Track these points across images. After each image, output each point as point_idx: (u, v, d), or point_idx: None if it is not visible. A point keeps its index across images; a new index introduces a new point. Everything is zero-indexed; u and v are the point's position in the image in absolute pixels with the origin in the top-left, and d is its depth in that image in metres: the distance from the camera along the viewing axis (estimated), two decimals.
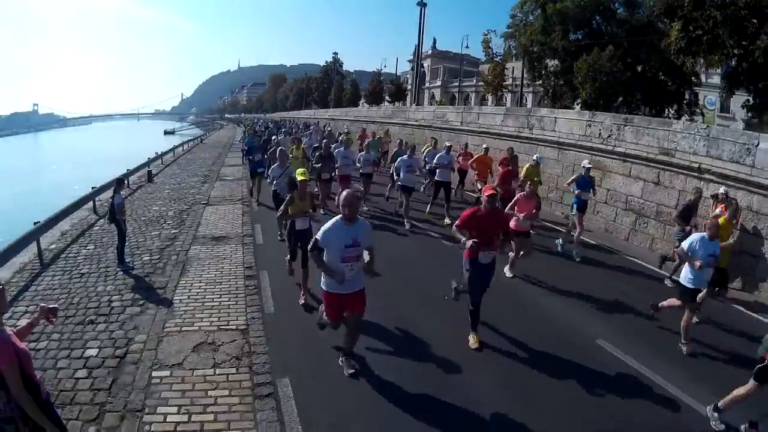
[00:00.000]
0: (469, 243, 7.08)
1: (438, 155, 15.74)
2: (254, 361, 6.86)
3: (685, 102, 33.69)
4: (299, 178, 8.79)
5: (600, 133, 16.48)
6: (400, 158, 15.29)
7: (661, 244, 13.79)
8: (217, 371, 6.63)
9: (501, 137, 22.21)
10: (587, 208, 13.39)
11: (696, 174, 12.93)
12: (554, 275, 10.94)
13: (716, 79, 34.66)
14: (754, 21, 20.09)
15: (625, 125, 15.56)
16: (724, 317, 9.30)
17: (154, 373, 6.52)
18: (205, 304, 8.89)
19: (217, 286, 9.71)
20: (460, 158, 18.70)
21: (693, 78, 32.00)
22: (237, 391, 6.21)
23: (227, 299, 9.09)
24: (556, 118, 19.28)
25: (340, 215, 6.07)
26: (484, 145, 18.47)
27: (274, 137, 25.71)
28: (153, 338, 7.49)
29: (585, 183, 12.71)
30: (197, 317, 8.31)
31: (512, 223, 10.05)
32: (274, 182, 12.87)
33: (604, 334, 8.13)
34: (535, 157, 15.01)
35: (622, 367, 7.17)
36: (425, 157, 17.81)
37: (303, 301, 8.92)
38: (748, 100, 25.14)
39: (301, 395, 6.13)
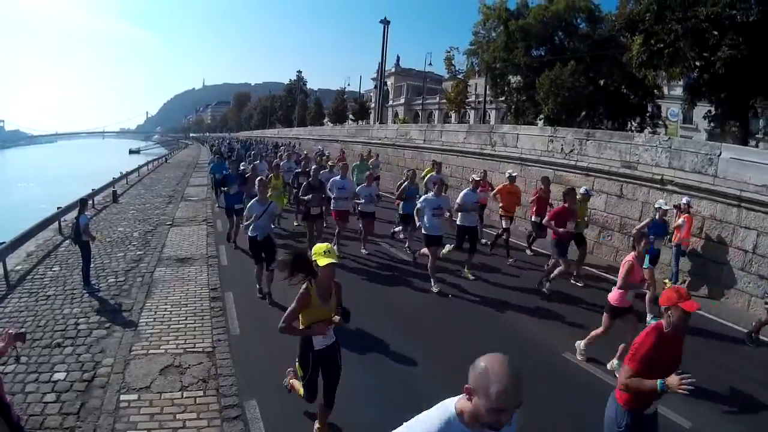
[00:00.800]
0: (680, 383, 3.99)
1: (463, 194, 12.37)
2: (221, 384, 6.93)
3: (647, 114, 34.53)
4: (322, 262, 5.01)
5: (562, 148, 16.93)
6: (424, 197, 11.57)
7: (626, 257, 14.06)
8: (185, 394, 6.70)
9: (464, 154, 22.72)
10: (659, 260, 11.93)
11: (659, 186, 13.43)
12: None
13: (679, 91, 35.61)
14: (715, 33, 20.87)
15: (587, 140, 16.04)
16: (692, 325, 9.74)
17: (122, 397, 6.57)
18: (171, 326, 8.93)
19: (182, 308, 9.75)
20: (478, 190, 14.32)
21: (655, 90, 32.91)
22: (205, 413, 6.29)
23: (193, 321, 9.14)
24: (518, 134, 19.70)
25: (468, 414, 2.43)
26: (510, 171, 15.22)
27: (243, 164, 20.72)
28: (120, 361, 7.52)
29: (658, 228, 11.09)
30: (163, 340, 8.36)
31: (614, 297, 7.62)
32: (251, 224, 10.01)
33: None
34: (582, 190, 12.63)
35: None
36: (425, 183, 15.15)
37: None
38: (710, 111, 26.19)
39: (269, 416, 6.24)
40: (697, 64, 22.69)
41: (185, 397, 6.63)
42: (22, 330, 4.54)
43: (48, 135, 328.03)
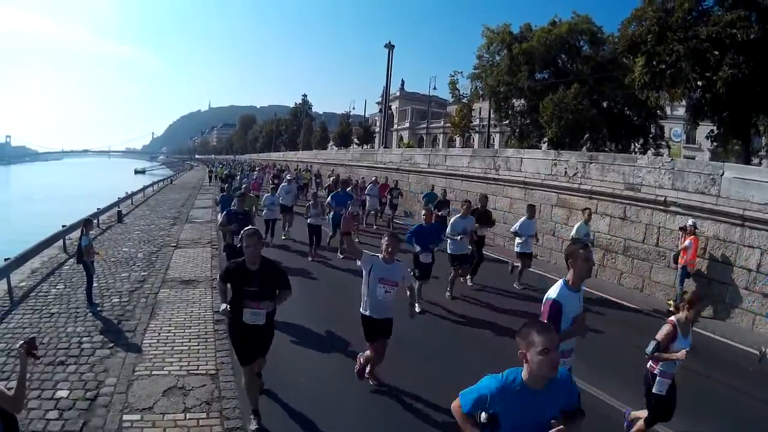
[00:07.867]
0: None
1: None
2: (225, 406, 6.88)
3: (650, 135, 34.50)
4: None
5: (566, 172, 17.00)
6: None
7: (630, 279, 14.25)
8: (188, 416, 6.65)
9: (468, 179, 22.83)
10: None
11: (662, 207, 13.45)
12: None
13: (681, 111, 35.66)
14: (716, 53, 21.02)
15: (590, 162, 16.09)
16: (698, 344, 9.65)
17: (125, 417, 6.53)
18: (175, 348, 8.89)
19: (186, 330, 9.71)
20: None
21: (658, 111, 32.95)
22: None
23: (197, 344, 9.10)
24: (522, 158, 19.80)
25: None
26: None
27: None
28: (123, 381, 7.49)
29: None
30: (167, 361, 8.32)
31: None
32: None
33: None
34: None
35: None
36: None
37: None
38: (712, 131, 26.11)
39: None
40: (699, 84, 22.78)
41: (188, 419, 6.58)
42: (30, 337, 4.34)
43: (54, 152, 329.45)
